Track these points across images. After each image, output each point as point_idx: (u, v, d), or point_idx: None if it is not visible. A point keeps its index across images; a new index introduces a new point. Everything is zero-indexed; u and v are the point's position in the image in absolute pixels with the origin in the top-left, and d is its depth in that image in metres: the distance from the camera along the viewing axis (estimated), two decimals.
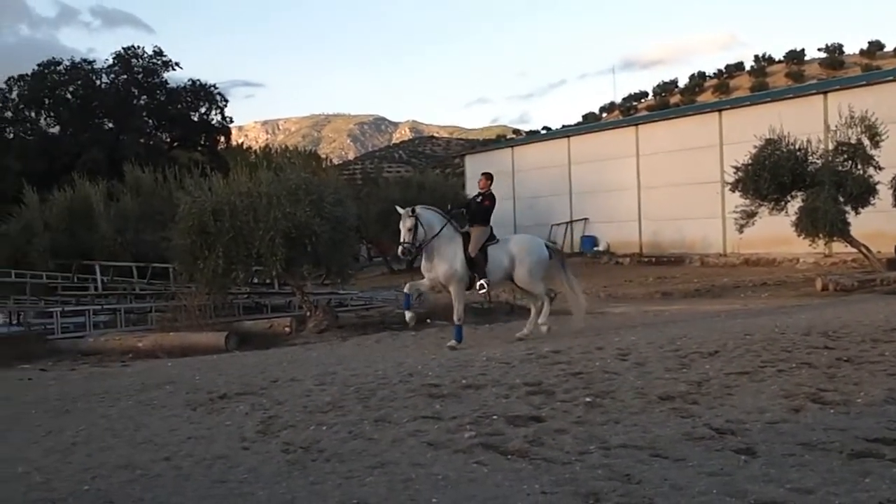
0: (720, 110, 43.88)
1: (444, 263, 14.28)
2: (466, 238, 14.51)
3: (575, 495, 5.69)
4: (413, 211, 14.31)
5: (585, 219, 48.11)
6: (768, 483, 5.71)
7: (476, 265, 14.33)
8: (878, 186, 25.95)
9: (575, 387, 9.33)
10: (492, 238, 14.68)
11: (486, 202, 14.80)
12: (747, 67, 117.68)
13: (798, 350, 11.05)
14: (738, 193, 27.73)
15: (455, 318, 14.54)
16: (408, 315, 15.06)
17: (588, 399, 8.59)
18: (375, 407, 8.95)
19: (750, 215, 27.34)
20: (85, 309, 21.98)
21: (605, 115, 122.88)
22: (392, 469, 6.69)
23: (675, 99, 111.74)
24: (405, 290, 15.19)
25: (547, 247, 15.38)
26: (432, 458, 6.91)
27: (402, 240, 14.20)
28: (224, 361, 14.62)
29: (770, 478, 5.82)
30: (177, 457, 7.67)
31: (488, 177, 15.40)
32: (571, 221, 48.79)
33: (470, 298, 16.27)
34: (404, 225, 14.15)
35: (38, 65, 56.73)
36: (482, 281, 14.36)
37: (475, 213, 14.81)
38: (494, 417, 8.07)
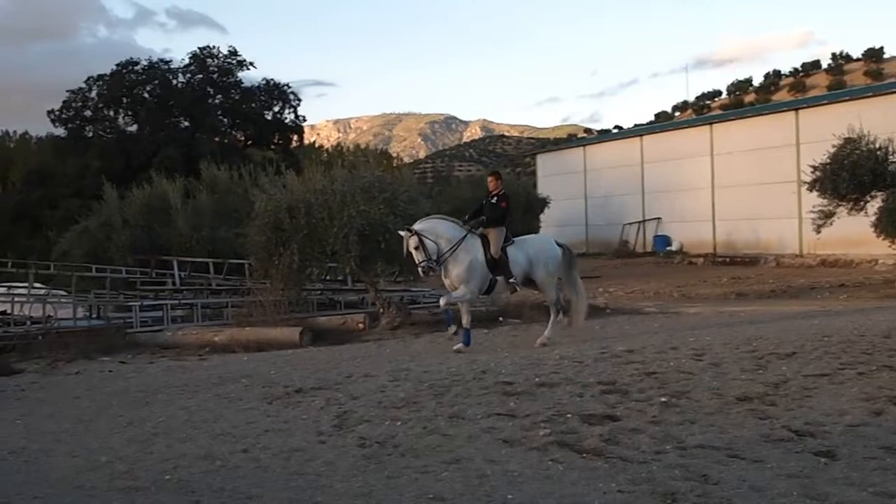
0: (797, 109, 43.16)
1: (458, 266, 13.97)
2: (483, 241, 14.26)
3: (652, 495, 5.67)
4: (409, 229, 13.99)
5: (658, 218, 47.69)
6: (850, 486, 5.63)
7: (499, 265, 14.13)
8: None
9: (650, 386, 9.27)
10: (507, 239, 14.42)
11: (503, 203, 14.46)
12: (824, 66, 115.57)
13: (878, 353, 10.83)
14: (815, 193, 27.26)
15: (464, 322, 14.35)
16: (451, 329, 14.44)
17: (663, 399, 8.53)
18: (449, 403, 8.99)
19: (828, 215, 26.85)
20: (163, 303, 22.37)
21: (677, 114, 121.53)
22: (467, 465, 6.73)
23: (749, 98, 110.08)
24: (441, 305, 14.67)
25: (559, 245, 15.00)
26: (507, 455, 6.93)
27: (417, 261, 13.86)
28: (298, 357, 14.78)
29: (851, 481, 5.74)
30: (255, 449, 7.79)
31: (497, 176, 15.27)
32: (644, 221, 48.41)
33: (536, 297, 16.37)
34: (409, 246, 13.84)
35: (117, 65, 57.78)
36: (511, 280, 14.23)
37: (490, 215, 14.38)
38: (569, 416, 8.06)
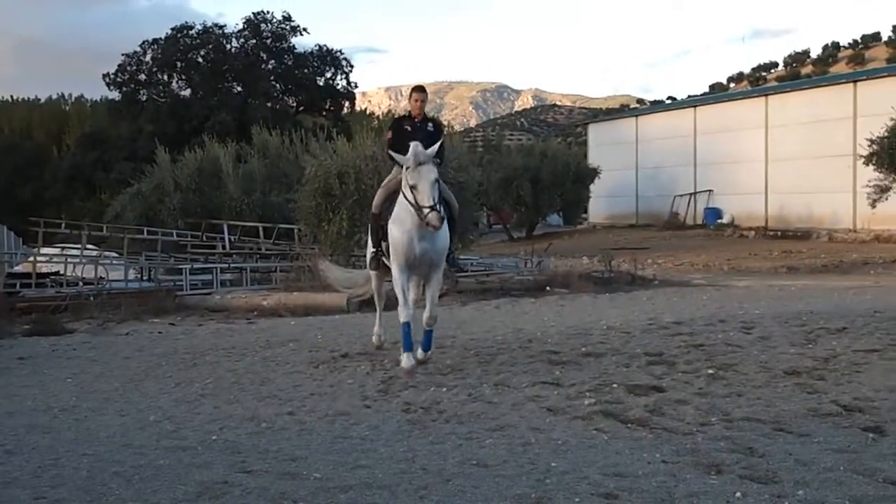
0: (856, 81, 42.42)
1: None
2: None
3: (697, 465, 5.63)
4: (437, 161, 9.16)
5: (710, 190, 47.23)
6: None
7: None
8: None
9: (697, 358, 9.22)
10: None
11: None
12: (884, 38, 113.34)
13: None
14: (871, 167, 26.86)
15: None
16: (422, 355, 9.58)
17: (710, 371, 8.48)
18: (495, 371, 9.00)
19: (884, 190, 26.52)
20: (212, 267, 22.53)
21: (732, 85, 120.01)
22: (511, 432, 6.73)
23: (806, 70, 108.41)
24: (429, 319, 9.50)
25: None
26: (551, 424, 6.93)
27: (428, 203, 8.70)
28: (345, 322, 14.84)
29: None
30: (300, 412, 7.85)
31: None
32: (695, 193, 47.95)
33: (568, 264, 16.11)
34: (427, 178, 8.79)
35: (171, 29, 58.07)
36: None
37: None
38: (614, 386, 8.03)
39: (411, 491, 5.34)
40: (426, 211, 8.66)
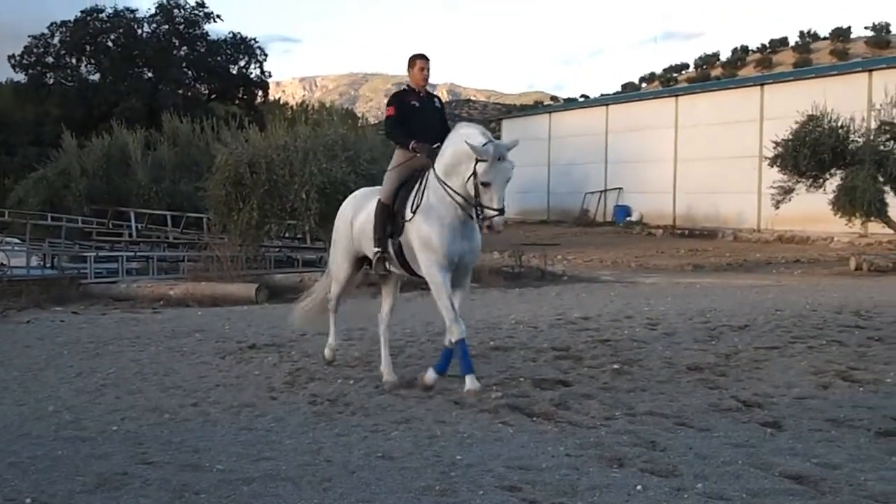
0: (763, 84, 43.34)
1: None
2: None
3: (599, 459, 5.71)
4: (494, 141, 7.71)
5: (619, 188, 47.81)
6: (794, 457, 5.70)
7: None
8: None
9: (603, 353, 9.36)
10: None
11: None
12: (791, 43, 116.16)
13: (829, 328, 11.02)
14: (776, 169, 27.44)
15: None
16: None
17: (615, 366, 8.62)
18: (403, 364, 9.03)
19: (787, 191, 27.06)
20: (118, 255, 22.14)
21: (644, 85, 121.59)
22: (417, 425, 6.74)
23: (716, 72, 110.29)
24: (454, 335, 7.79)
25: None
26: (458, 417, 6.96)
27: (503, 204, 7.49)
28: (254, 313, 14.70)
29: (796, 452, 5.81)
30: (205, 403, 7.77)
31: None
32: (606, 190, 48.50)
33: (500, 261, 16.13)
34: (507, 177, 7.62)
35: (81, 12, 56.70)
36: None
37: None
38: (521, 380, 8.11)
39: (315, 483, 5.32)
40: (492, 213, 7.37)
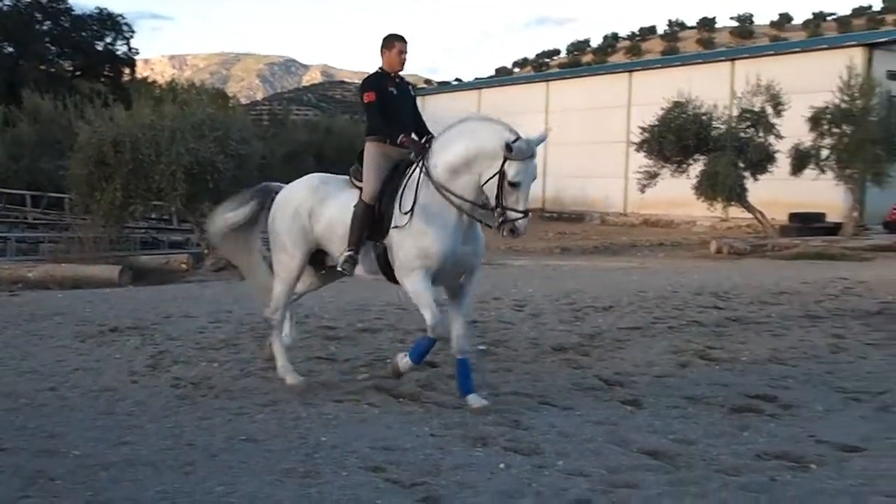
0: (631, 71, 44.32)
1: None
2: None
3: (464, 438, 5.77)
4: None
5: None
6: (652, 433, 5.86)
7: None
8: (777, 154, 26.56)
9: (469, 334, 9.41)
10: None
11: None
12: (660, 31, 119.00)
13: (689, 308, 11.36)
14: (642, 154, 28.10)
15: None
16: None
17: (482, 347, 8.68)
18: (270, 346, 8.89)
19: (652, 176, 27.80)
20: None
21: (517, 69, 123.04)
22: (283, 407, 6.68)
23: (587, 58, 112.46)
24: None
25: None
26: (324, 398, 6.92)
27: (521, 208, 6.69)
28: (117, 295, 14.32)
29: (654, 428, 5.99)
30: (63, 387, 7.53)
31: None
32: None
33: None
34: (534, 176, 6.95)
35: None
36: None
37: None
38: (388, 361, 8.08)
39: (176, 467, 5.24)
40: (517, 216, 6.56)
